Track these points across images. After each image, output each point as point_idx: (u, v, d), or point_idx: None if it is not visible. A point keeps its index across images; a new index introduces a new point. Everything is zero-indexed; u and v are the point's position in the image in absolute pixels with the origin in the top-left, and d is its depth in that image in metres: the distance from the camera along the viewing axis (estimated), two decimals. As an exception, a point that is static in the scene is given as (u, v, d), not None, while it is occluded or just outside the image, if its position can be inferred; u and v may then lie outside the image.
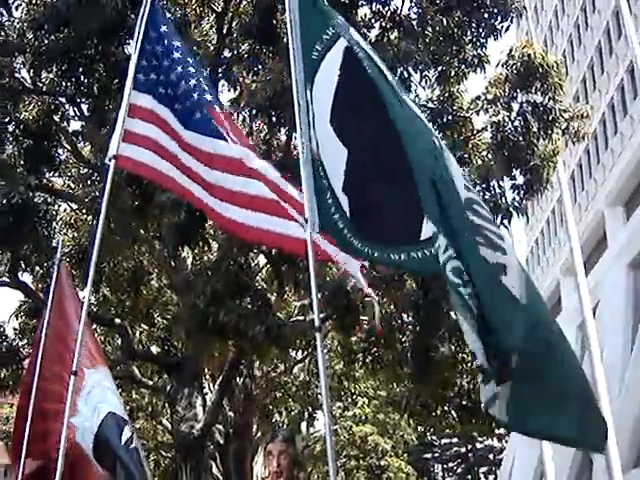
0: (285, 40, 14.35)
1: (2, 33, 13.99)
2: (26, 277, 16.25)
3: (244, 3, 15.79)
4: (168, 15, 13.61)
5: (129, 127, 6.45)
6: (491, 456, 60.76)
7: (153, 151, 6.44)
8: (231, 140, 6.35)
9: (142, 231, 15.06)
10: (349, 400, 34.07)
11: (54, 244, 13.69)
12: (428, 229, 4.55)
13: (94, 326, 18.63)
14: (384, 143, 4.94)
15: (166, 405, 21.00)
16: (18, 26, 14.56)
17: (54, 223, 16.17)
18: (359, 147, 5.11)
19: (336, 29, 5.18)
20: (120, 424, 7.57)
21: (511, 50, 15.13)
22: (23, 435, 7.57)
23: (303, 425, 33.80)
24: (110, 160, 6.33)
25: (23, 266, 15.42)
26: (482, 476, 62.85)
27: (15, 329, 17.41)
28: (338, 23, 5.23)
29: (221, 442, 22.79)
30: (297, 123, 5.32)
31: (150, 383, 19.39)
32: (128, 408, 27.27)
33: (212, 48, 15.76)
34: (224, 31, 15.73)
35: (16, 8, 14.54)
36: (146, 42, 6.70)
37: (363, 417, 36.48)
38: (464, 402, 16.97)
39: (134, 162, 6.45)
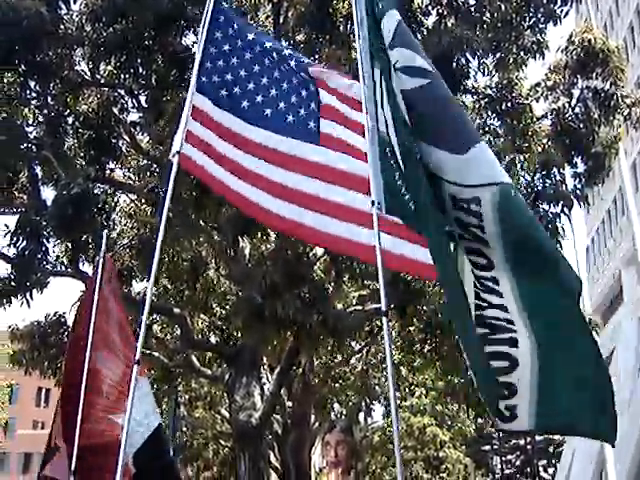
0: (341, 29, 14.36)
1: (61, 26, 14.12)
2: (87, 267, 16.44)
3: (300, -8, 15.78)
4: (225, 5, 13.68)
5: (190, 128, 6.45)
6: (550, 449, 60.11)
7: (209, 156, 6.42)
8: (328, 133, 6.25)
9: (201, 222, 15.14)
10: (407, 390, 34.01)
11: (114, 235, 13.87)
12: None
13: (154, 316, 18.89)
14: None
15: (225, 394, 21.12)
16: (77, 19, 14.69)
17: (113, 214, 16.35)
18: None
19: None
20: (166, 439, 7.70)
21: (571, 35, 14.91)
22: (67, 421, 7.67)
23: (361, 416, 33.82)
24: (174, 156, 6.34)
25: (84, 256, 15.63)
26: (541, 469, 62.25)
27: (74, 315, 17.57)
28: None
29: (279, 432, 22.92)
30: (363, 104, 5.29)
31: (209, 372, 19.50)
32: (187, 397, 27.64)
33: (268, 38, 15.76)
34: (280, 21, 15.74)
35: (74, 1, 14.68)
36: (209, 44, 6.68)
37: (421, 408, 36.40)
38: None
39: (194, 164, 6.44)
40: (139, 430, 7.51)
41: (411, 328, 17.40)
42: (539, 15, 14.84)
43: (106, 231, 9.44)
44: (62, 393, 8.63)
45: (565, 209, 14.86)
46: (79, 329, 8.37)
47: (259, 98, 6.54)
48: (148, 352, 16.92)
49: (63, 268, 16.81)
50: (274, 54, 6.58)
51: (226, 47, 6.71)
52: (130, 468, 7.38)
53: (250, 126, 6.45)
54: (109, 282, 8.40)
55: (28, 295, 14.33)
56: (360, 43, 5.32)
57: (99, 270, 8.42)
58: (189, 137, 6.41)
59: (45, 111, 15.08)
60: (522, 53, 15.29)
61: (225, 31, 6.76)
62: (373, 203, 5.06)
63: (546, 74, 15.66)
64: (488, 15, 14.60)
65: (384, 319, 4.94)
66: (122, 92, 15.79)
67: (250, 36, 6.72)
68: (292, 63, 6.48)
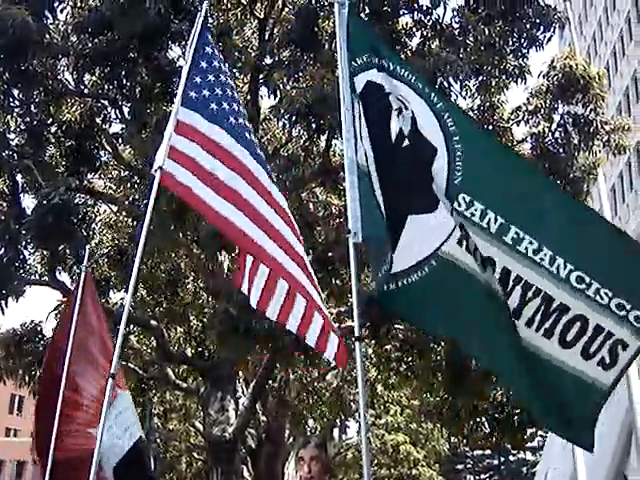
0: (326, 47, 14.45)
1: (47, 36, 14.13)
2: (65, 277, 16.40)
3: (286, 10, 15.87)
4: (210, 20, 13.75)
5: (173, 143, 6.47)
6: (524, 469, 60.21)
7: (192, 172, 6.42)
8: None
9: (181, 235, 15.15)
10: (382, 408, 34.01)
11: (92, 244, 13.86)
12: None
13: (130, 327, 18.84)
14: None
15: (199, 407, 21.07)
16: (62, 29, 14.72)
17: (93, 224, 16.33)
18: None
19: (371, 58, 5.31)
20: (149, 452, 7.70)
21: (553, 61, 15.05)
22: (43, 431, 7.66)
23: (335, 432, 33.78)
24: (156, 171, 6.37)
25: (62, 266, 15.60)
26: (514, 489, 62.39)
27: (53, 329, 17.52)
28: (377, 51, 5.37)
29: (253, 446, 22.86)
30: (343, 134, 5.37)
31: (184, 385, 19.46)
32: (161, 409, 27.54)
33: (253, 54, 15.84)
34: (266, 37, 15.82)
35: (61, 11, 14.71)
36: (198, 58, 6.74)
37: (395, 426, 36.39)
38: (497, 414, 16.86)
39: (175, 181, 6.45)
40: (118, 442, 7.50)
41: (387, 347, 17.46)
42: (522, 40, 14.98)
43: (89, 245, 9.46)
44: (37, 406, 8.63)
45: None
46: (58, 342, 8.37)
47: (240, 120, 6.63)
48: (124, 363, 16.86)
49: (40, 277, 16.76)
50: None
51: (216, 63, 6.79)
52: None
53: (236, 144, 6.52)
54: (89, 295, 8.42)
55: (3, 303, 14.27)
56: (342, 75, 5.42)
57: (80, 283, 8.44)
58: (172, 153, 6.44)
59: (28, 119, 15.07)
60: (504, 77, 15.42)
61: (212, 48, 6.85)
62: (349, 232, 5.13)
63: (527, 98, 15.79)
64: (472, 38, 14.73)
65: (357, 344, 5.01)
66: (105, 103, 15.79)
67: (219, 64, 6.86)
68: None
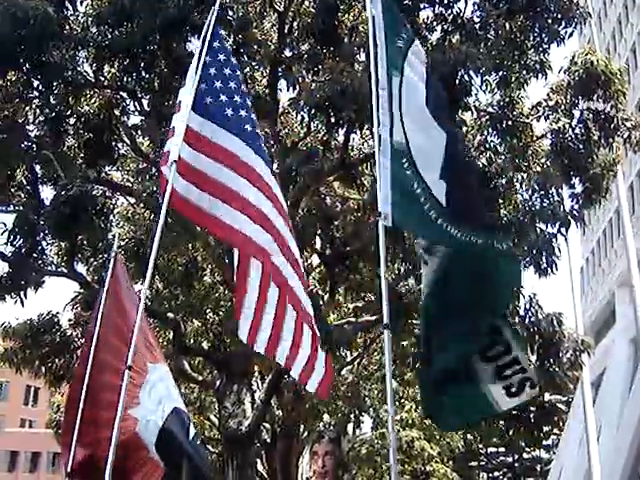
0: (346, 41, 14.41)
1: (67, 27, 14.15)
2: (82, 268, 16.43)
3: (306, 3, 15.83)
4: (230, 13, 13.72)
5: (183, 155, 6.44)
6: (538, 467, 60.08)
7: (197, 186, 6.39)
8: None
9: (198, 227, 15.14)
10: (397, 404, 33.94)
11: (110, 237, 13.87)
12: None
13: (147, 319, 18.84)
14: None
15: (215, 401, 21.09)
16: (82, 20, 14.73)
17: (111, 216, 16.35)
18: (454, 134, 5.17)
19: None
20: (186, 420, 7.60)
21: (574, 57, 14.95)
22: (73, 424, 7.63)
23: (350, 427, 33.74)
24: (171, 165, 6.35)
25: (79, 257, 15.62)
26: (528, 487, 62.25)
27: (70, 320, 17.58)
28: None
29: (268, 440, 22.88)
30: (374, 114, 5.31)
31: (200, 378, 19.49)
32: (177, 402, 27.57)
33: (272, 47, 15.81)
34: (285, 30, 15.78)
35: (81, 2, 14.72)
36: (209, 64, 6.73)
37: (410, 422, 36.30)
38: (513, 411, 16.80)
39: (183, 203, 6.41)
40: (152, 419, 7.45)
41: (404, 343, 17.41)
42: (543, 35, 14.87)
43: (117, 232, 9.50)
44: (69, 394, 8.62)
45: (562, 229, 14.89)
46: (92, 329, 8.36)
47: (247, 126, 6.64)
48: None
49: (57, 268, 16.79)
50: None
51: (227, 71, 6.80)
52: (158, 462, 7.35)
53: (246, 146, 6.49)
54: (121, 279, 8.44)
55: (23, 294, 14.32)
56: (376, 51, 5.35)
57: (110, 267, 8.48)
58: (180, 166, 6.37)
59: (47, 110, 15.08)
60: (525, 72, 15.32)
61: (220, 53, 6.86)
62: (379, 214, 5.08)
63: (548, 94, 15.71)
64: (492, 33, 14.64)
65: (386, 332, 5.00)
66: (124, 95, 15.81)
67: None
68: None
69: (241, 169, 6.39)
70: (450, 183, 4.99)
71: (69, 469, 7.32)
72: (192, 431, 7.55)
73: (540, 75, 15.22)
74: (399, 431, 36.35)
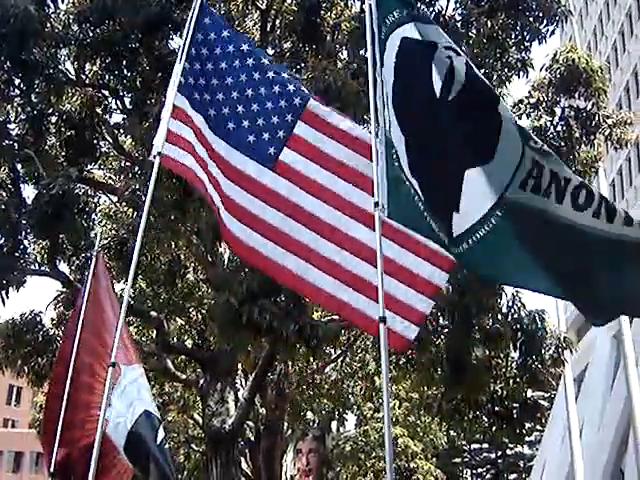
0: (328, 39, 14.41)
1: (48, 25, 14.09)
2: (64, 267, 16.36)
3: (288, 1, 15.82)
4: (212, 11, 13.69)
5: (172, 127, 6.46)
6: (521, 463, 60.32)
7: (191, 154, 6.44)
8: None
9: (181, 225, 15.12)
10: (380, 401, 33.97)
11: (92, 235, 13.84)
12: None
13: (130, 318, 18.80)
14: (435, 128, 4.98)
15: (198, 399, 21.06)
16: (64, 18, 14.67)
17: (93, 215, 16.29)
18: (414, 131, 5.08)
19: (402, 11, 5.19)
20: (155, 424, 7.60)
21: (555, 54, 15.03)
22: (53, 423, 7.62)
23: (333, 424, 33.78)
24: (155, 157, 6.35)
25: (61, 256, 15.55)
26: (511, 483, 62.47)
27: (52, 319, 17.51)
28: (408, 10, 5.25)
29: (252, 438, 22.88)
30: (371, 105, 5.31)
31: (183, 377, 19.45)
32: (160, 401, 27.49)
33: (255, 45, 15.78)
34: (267, 28, 15.77)
35: (62, 0, 14.67)
36: (192, 45, 6.69)
37: (394, 419, 36.38)
38: (496, 408, 16.84)
39: (176, 163, 6.45)
40: (121, 422, 7.45)
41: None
42: (525, 33, 14.94)
43: (99, 230, 9.48)
44: (49, 393, 8.59)
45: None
46: (71, 329, 8.33)
47: (225, 110, 6.53)
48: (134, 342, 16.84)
49: (40, 267, 16.72)
50: (255, 73, 6.56)
51: (204, 51, 6.70)
52: (128, 465, 7.35)
53: (213, 135, 6.47)
54: (102, 278, 8.41)
55: (4, 293, 14.24)
56: (372, 44, 5.35)
57: (91, 267, 8.44)
58: (170, 136, 6.43)
59: (28, 109, 15.01)
60: (506, 70, 15.38)
61: (206, 34, 6.75)
62: (377, 204, 5.08)
63: (529, 92, 15.78)
64: (474, 31, 14.70)
65: (381, 325, 4.99)
66: (106, 93, 15.77)
67: (230, 48, 6.68)
68: (276, 88, 6.47)
69: (213, 154, 6.43)
70: (420, 181, 4.96)
71: (52, 469, 7.29)
72: (160, 435, 7.56)
73: (522, 73, 15.29)
74: (381, 428, 36.43)
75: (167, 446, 7.79)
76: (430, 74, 4.90)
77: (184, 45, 6.67)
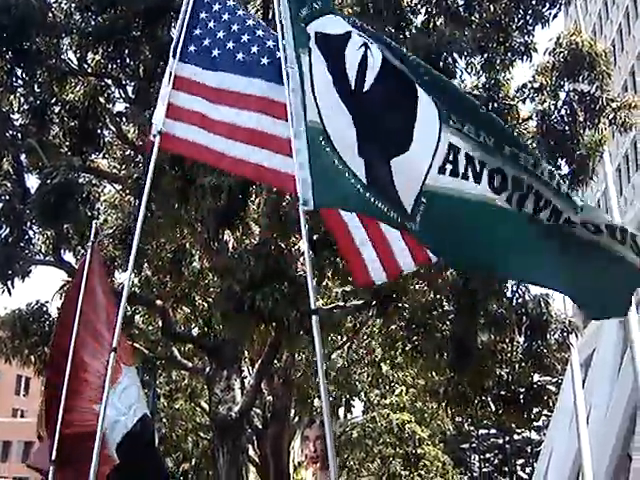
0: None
1: (49, 14, 14.07)
2: (69, 257, 16.38)
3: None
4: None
5: (173, 100, 6.41)
6: (528, 448, 60.47)
7: (198, 125, 6.35)
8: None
9: (184, 213, 15.11)
10: (387, 387, 34.06)
11: (97, 224, 13.84)
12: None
13: (136, 306, 18.85)
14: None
15: (205, 387, 21.12)
16: (65, 7, 14.66)
17: (97, 204, 16.30)
18: (363, 111, 5.06)
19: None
20: (151, 428, 7.64)
21: (559, 38, 14.92)
22: (54, 412, 7.63)
23: (340, 411, 33.86)
24: (155, 136, 6.31)
25: (66, 246, 15.58)
26: (519, 468, 62.56)
27: (58, 308, 17.54)
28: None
29: (259, 425, 22.96)
30: (288, 95, 5.30)
31: (189, 365, 19.49)
32: (167, 389, 27.62)
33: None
34: (269, 16, 15.70)
35: (64, -11, 14.66)
36: (197, 9, 6.67)
37: (401, 405, 36.46)
38: (503, 392, 16.85)
39: (175, 140, 6.39)
40: (121, 419, 7.47)
41: (393, 326, 17.43)
42: (528, 17, 14.88)
43: (95, 221, 9.44)
44: (46, 382, 8.60)
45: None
46: (65, 318, 8.31)
47: (254, 49, 6.45)
48: (130, 343, 16.89)
49: (45, 257, 16.75)
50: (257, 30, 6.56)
51: (216, 6, 6.70)
52: (113, 458, 7.35)
53: (247, 78, 6.38)
54: (96, 272, 8.36)
55: (10, 283, 14.28)
56: (283, 31, 5.35)
57: (87, 259, 8.40)
58: (171, 110, 6.37)
59: (31, 99, 15.02)
60: (510, 54, 15.32)
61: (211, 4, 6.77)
62: (299, 200, 5.08)
63: (533, 76, 15.69)
64: (477, 15, 14.64)
65: (314, 317, 4.98)
66: (109, 82, 15.75)
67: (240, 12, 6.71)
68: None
69: (220, 96, 6.37)
70: (368, 161, 4.95)
71: (53, 457, 7.31)
72: (155, 439, 7.61)
73: (525, 57, 15.24)
74: (389, 414, 36.53)
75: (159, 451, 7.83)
76: (344, 66, 4.99)
77: (187, 14, 6.65)
